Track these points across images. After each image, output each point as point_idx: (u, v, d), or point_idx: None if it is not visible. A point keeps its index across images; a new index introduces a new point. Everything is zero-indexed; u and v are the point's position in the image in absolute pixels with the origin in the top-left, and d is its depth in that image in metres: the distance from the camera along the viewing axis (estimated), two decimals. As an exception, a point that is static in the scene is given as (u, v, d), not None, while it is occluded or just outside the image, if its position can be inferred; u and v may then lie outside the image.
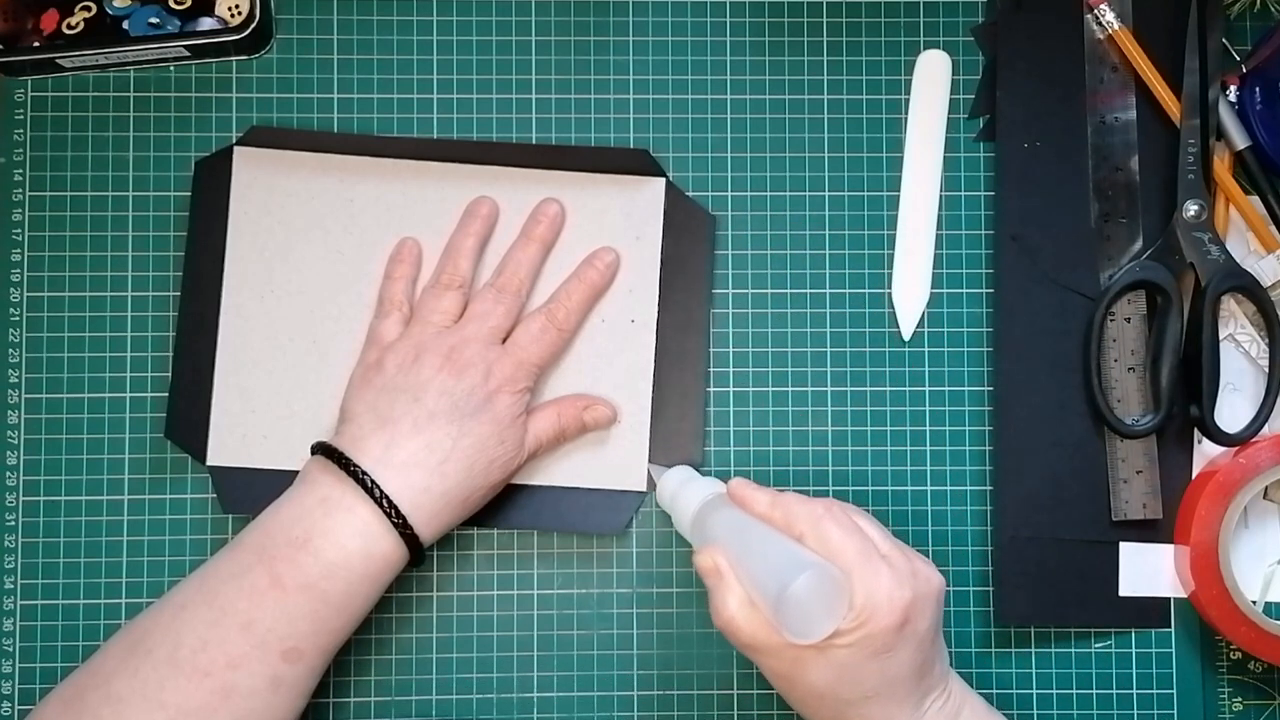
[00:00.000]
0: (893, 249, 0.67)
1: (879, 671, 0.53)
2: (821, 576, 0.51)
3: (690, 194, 0.67)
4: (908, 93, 0.68)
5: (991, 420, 0.67)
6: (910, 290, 0.67)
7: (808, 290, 0.67)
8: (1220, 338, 0.66)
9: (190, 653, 0.55)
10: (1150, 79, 0.66)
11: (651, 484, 0.66)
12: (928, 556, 0.58)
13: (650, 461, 0.65)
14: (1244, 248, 0.67)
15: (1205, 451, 0.66)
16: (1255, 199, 0.67)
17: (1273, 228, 0.66)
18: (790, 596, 0.50)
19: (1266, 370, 0.66)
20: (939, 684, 0.56)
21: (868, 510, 0.59)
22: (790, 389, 0.67)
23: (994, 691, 0.66)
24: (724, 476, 0.66)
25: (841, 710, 0.55)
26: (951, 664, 0.59)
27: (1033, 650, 0.66)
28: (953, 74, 0.68)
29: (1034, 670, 0.66)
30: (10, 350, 0.66)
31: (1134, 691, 0.66)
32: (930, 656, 0.55)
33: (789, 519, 0.55)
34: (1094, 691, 0.66)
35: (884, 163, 0.68)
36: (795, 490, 0.59)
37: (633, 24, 0.68)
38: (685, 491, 0.60)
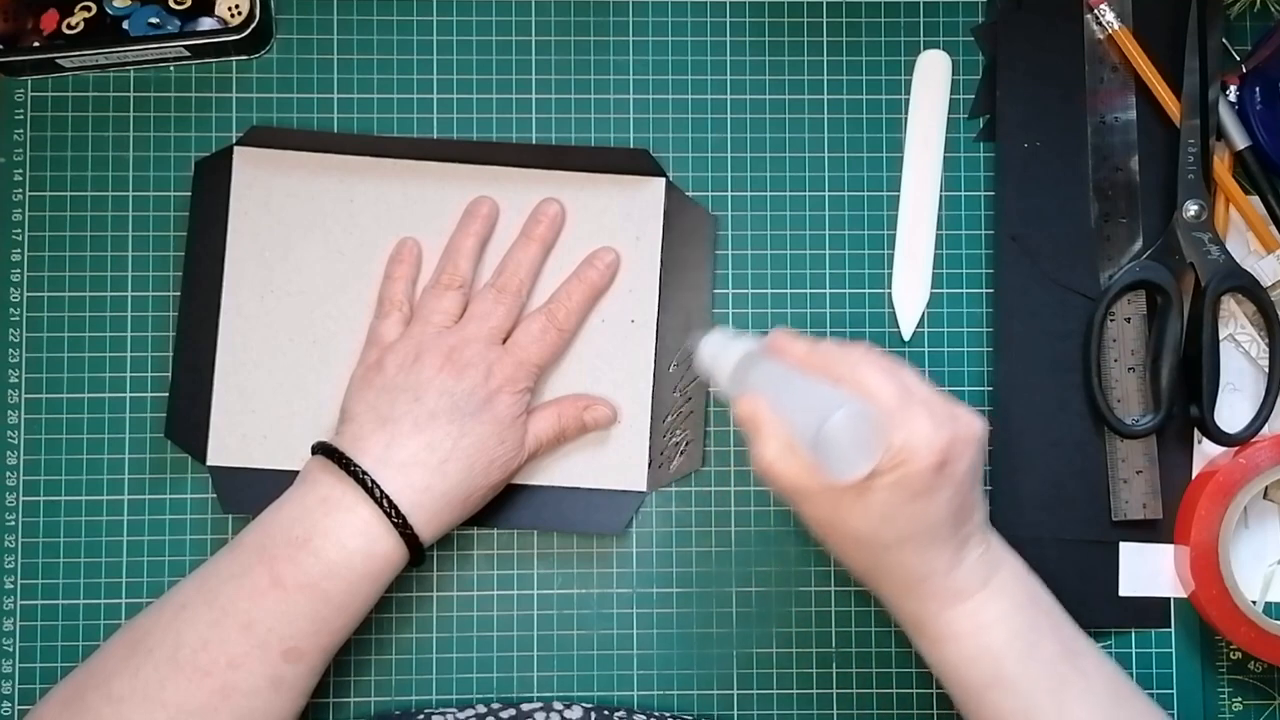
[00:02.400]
0: (893, 249, 0.67)
1: (917, 514, 0.52)
2: (859, 413, 0.50)
3: (690, 194, 0.67)
4: (908, 93, 0.68)
5: (991, 421, 0.67)
6: (910, 290, 0.67)
7: (808, 290, 0.67)
8: (1220, 338, 0.66)
9: (191, 652, 0.55)
10: (1150, 79, 0.66)
11: (652, 483, 0.66)
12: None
13: (691, 336, 0.65)
14: (1244, 248, 0.67)
15: (1205, 451, 0.66)
16: (1255, 199, 0.67)
17: (1273, 228, 0.66)
18: (828, 433, 0.49)
19: (1266, 370, 0.66)
20: (978, 534, 0.56)
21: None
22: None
23: (994, 691, 0.66)
24: (724, 477, 0.66)
25: (880, 555, 0.54)
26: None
27: (1033, 650, 0.66)
28: (953, 74, 0.68)
29: (1034, 670, 0.66)
30: (10, 350, 0.66)
31: (1134, 691, 0.66)
32: (969, 502, 0.54)
33: (827, 364, 0.54)
34: (1094, 691, 0.66)
35: (884, 163, 0.68)
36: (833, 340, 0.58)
37: (633, 24, 0.68)
38: (725, 351, 0.58)
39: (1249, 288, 0.65)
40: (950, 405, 0.54)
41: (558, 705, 0.63)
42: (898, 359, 0.55)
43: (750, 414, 0.54)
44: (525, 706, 0.63)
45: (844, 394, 0.52)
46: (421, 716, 0.62)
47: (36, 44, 0.64)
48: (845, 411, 0.50)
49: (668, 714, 0.64)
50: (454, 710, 0.63)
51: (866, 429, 0.51)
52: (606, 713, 0.63)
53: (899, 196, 0.68)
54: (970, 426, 0.54)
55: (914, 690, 0.66)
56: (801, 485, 0.53)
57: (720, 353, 0.58)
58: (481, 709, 0.63)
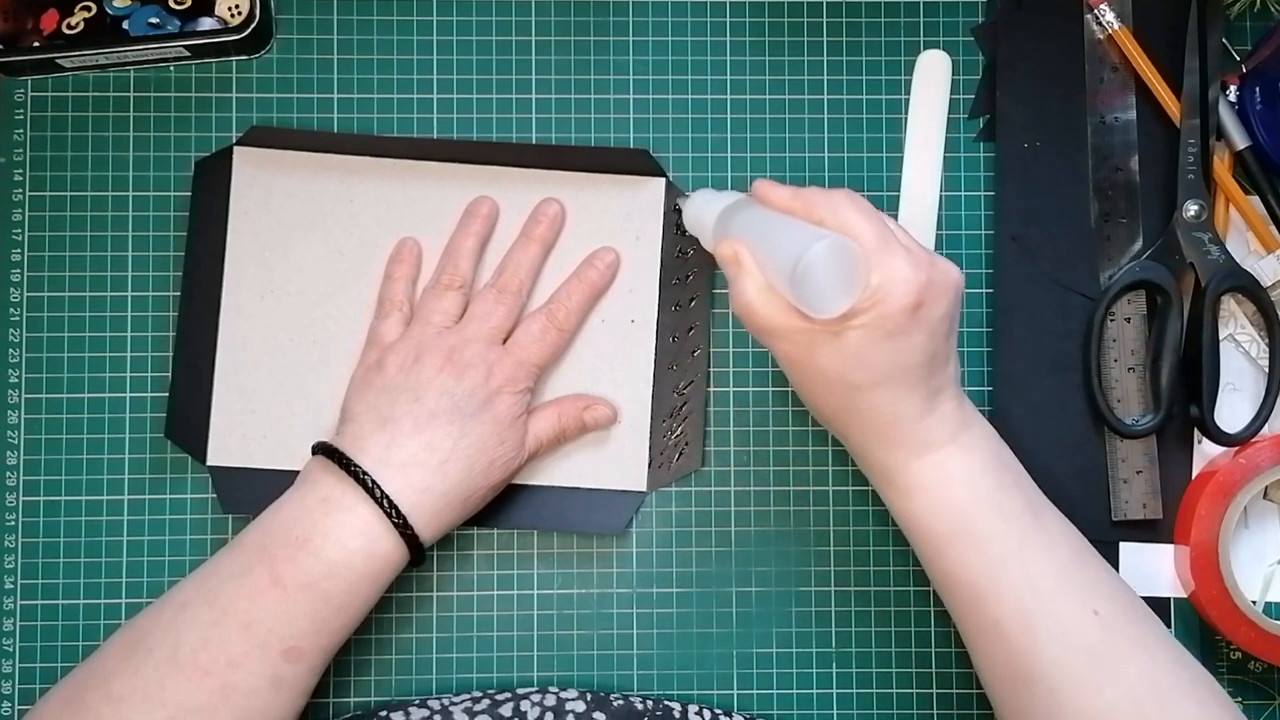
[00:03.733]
0: (893, 249, 0.67)
1: (890, 355, 0.53)
2: (837, 247, 0.50)
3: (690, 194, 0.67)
4: (908, 93, 0.68)
5: (992, 420, 0.66)
6: (910, 290, 0.67)
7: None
8: (1220, 338, 0.66)
9: (191, 652, 0.55)
10: (1150, 79, 0.66)
11: (652, 483, 0.66)
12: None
13: (675, 198, 0.65)
14: (1244, 248, 0.67)
15: (1205, 451, 0.66)
16: (1255, 199, 0.67)
17: (1273, 228, 0.66)
18: (806, 266, 0.50)
19: (1266, 370, 0.66)
20: (950, 387, 0.56)
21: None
22: (790, 389, 0.67)
23: (994, 691, 0.66)
24: (724, 478, 0.66)
25: (850, 397, 0.54)
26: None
27: (1033, 650, 0.66)
28: (953, 74, 0.68)
29: (1034, 670, 0.66)
30: (10, 350, 0.66)
31: (1134, 691, 0.66)
32: (942, 351, 0.54)
33: (810, 207, 0.54)
34: (1094, 691, 0.66)
35: (884, 163, 0.68)
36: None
37: (633, 24, 0.68)
38: (709, 206, 0.59)
39: (1249, 288, 0.65)
40: (931, 254, 0.54)
41: (554, 688, 0.63)
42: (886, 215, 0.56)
43: (731, 255, 0.54)
44: (522, 690, 0.63)
45: (823, 231, 0.52)
46: (416, 702, 0.62)
47: (36, 44, 0.64)
48: (824, 244, 0.50)
49: (663, 700, 0.64)
50: (449, 695, 0.63)
51: (845, 265, 0.51)
52: (603, 695, 0.63)
53: (899, 197, 0.68)
54: (948, 273, 0.54)
55: (914, 690, 0.66)
56: (777, 323, 0.53)
57: (705, 206, 0.59)
58: (477, 693, 0.63)
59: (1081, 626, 0.54)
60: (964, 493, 0.55)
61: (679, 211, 0.64)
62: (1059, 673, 0.53)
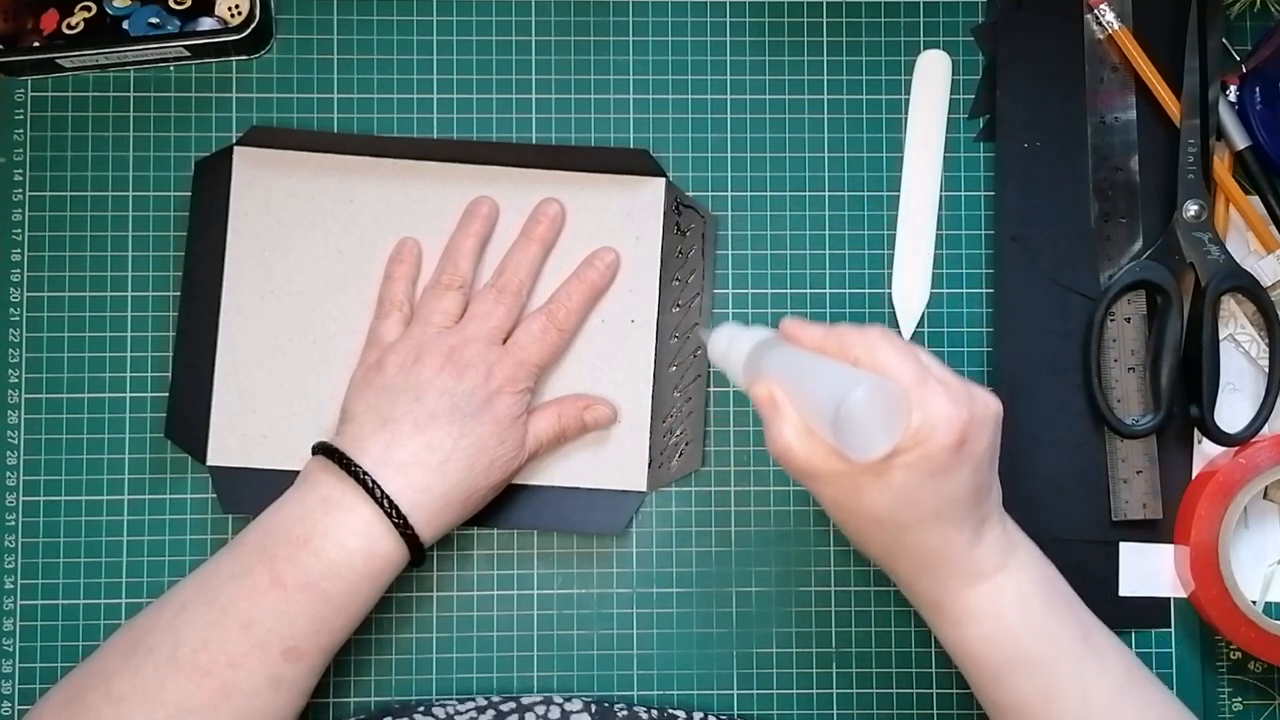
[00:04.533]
0: (893, 249, 0.67)
1: (936, 493, 0.52)
2: (878, 389, 0.50)
3: (690, 194, 0.67)
4: (908, 93, 0.68)
5: (991, 420, 0.67)
6: (910, 290, 0.67)
7: (808, 290, 0.67)
8: (1220, 338, 0.66)
9: (191, 652, 0.55)
10: (1150, 79, 0.66)
11: (652, 483, 0.66)
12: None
13: (696, 327, 0.65)
14: (1244, 248, 0.67)
15: (1205, 451, 0.66)
16: (1255, 199, 0.67)
17: (1273, 228, 0.66)
18: (848, 410, 0.49)
19: (1266, 370, 0.66)
20: (995, 514, 0.56)
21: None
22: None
23: (994, 691, 0.66)
24: (724, 477, 0.66)
25: (899, 536, 0.54)
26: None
27: (1033, 650, 0.66)
28: (953, 74, 0.68)
29: (1034, 670, 0.66)
30: (10, 350, 0.66)
31: (1134, 691, 0.66)
32: (986, 481, 0.54)
33: (843, 346, 0.53)
34: (1094, 691, 0.66)
35: (884, 163, 0.68)
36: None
37: (633, 24, 0.68)
38: (737, 342, 0.58)
39: (1249, 288, 0.65)
40: (967, 385, 0.53)
41: (558, 698, 0.63)
42: (915, 343, 0.55)
43: (767, 397, 0.53)
44: (526, 699, 0.63)
45: (862, 373, 0.51)
46: (421, 709, 0.62)
47: (36, 44, 0.64)
48: (865, 388, 0.49)
49: (667, 708, 0.64)
50: (454, 702, 0.63)
51: (886, 406, 0.50)
52: (607, 705, 0.63)
53: (899, 196, 0.68)
54: (988, 406, 0.53)
55: (914, 690, 0.66)
56: (819, 467, 0.52)
57: (733, 344, 0.58)
58: (482, 701, 0.63)
59: None
60: (1016, 620, 0.55)
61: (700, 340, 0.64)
62: None
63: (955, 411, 0.51)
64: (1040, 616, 0.55)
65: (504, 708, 0.62)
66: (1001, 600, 0.55)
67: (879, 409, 0.50)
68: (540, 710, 0.62)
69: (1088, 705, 0.54)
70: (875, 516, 0.53)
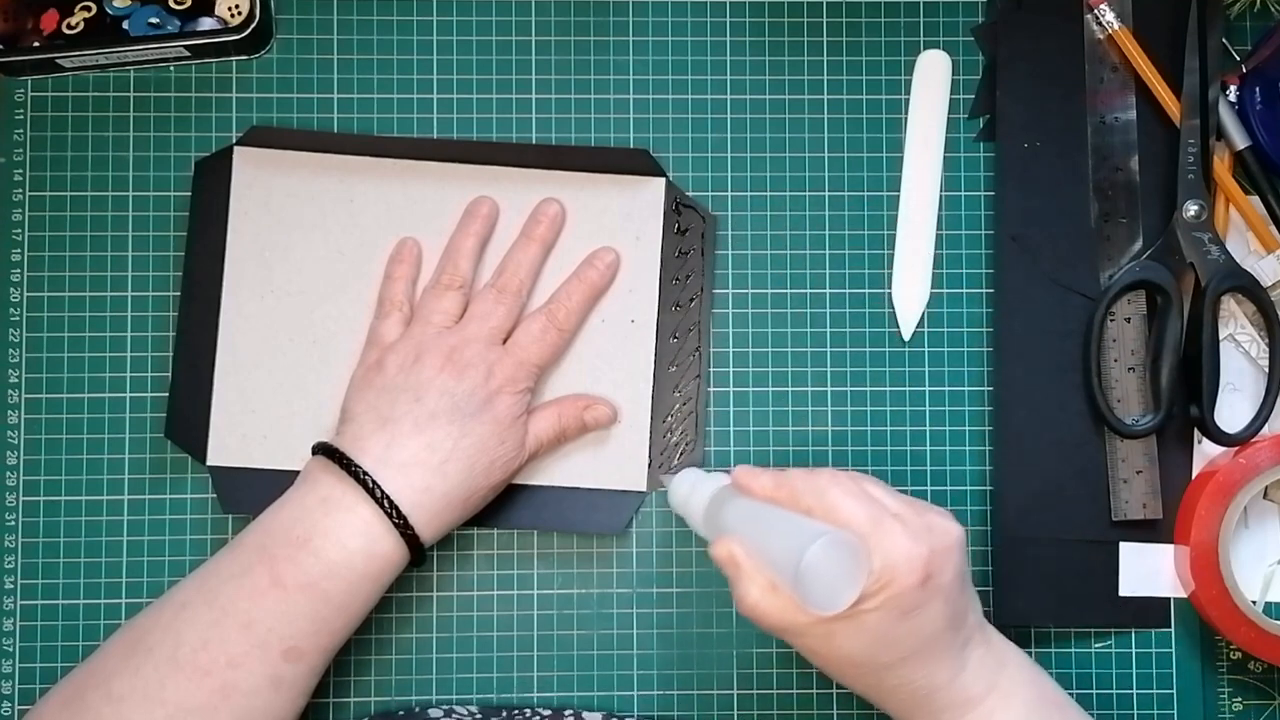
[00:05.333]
0: (893, 249, 0.67)
1: (912, 631, 0.52)
2: (834, 543, 0.50)
3: (690, 194, 0.67)
4: (908, 93, 0.68)
5: (991, 420, 0.67)
6: (910, 290, 0.67)
7: (808, 290, 0.67)
8: (1220, 338, 0.66)
9: (191, 652, 0.55)
10: (1150, 79, 0.66)
11: (653, 484, 0.66)
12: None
13: (658, 470, 0.65)
14: (1244, 248, 0.67)
15: (1205, 451, 0.66)
16: (1255, 199, 0.67)
17: (1273, 228, 0.66)
18: (806, 569, 0.49)
19: (1266, 370, 0.66)
20: (976, 635, 0.55)
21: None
22: (790, 389, 0.67)
23: (994, 691, 0.66)
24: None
25: (881, 676, 0.54)
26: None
27: (1033, 650, 0.66)
28: (953, 74, 0.68)
29: (1034, 670, 0.66)
30: (10, 350, 0.66)
31: (1134, 691, 0.66)
32: (960, 608, 0.54)
33: (795, 495, 0.53)
34: (1094, 691, 0.66)
35: (884, 163, 0.68)
36: (798, 468, 0.57)
37: (633, 24, 0.68)
38: (695, 492, 0.59)
39: (1249, 288, 0.65)
40: (924, 514, 0.53)
41: (568, 713, 0.63)
42: (865, 475, 0.55)
43: (727, 557, 0.53)
44: (528, 712, 0.63)
45: (817, 525, 0.51)
46: (432, 711, 0.62)
47: (36, 44, 0.64)
48: (820, 543, 0.49)
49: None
50: (460, 709, 0.63)
51: (844, 557, 0.50)
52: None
53: (899, 196, 0.68)
54: (948, 534, 0.53)
55: (914, 690, 0.66)
56: (790, 622, 0.52)
57: (690, 495, 0.59)
58: (481, 713, 0.63)
59: None
60: None
61: (663, 488, 0.64)
62: None
63: (915, 549, 0.51)
64: None
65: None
66: None
67: (837, 562, 0.50)
68: None
69: None
70: (854, 660, 0.53)
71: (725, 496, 0.57)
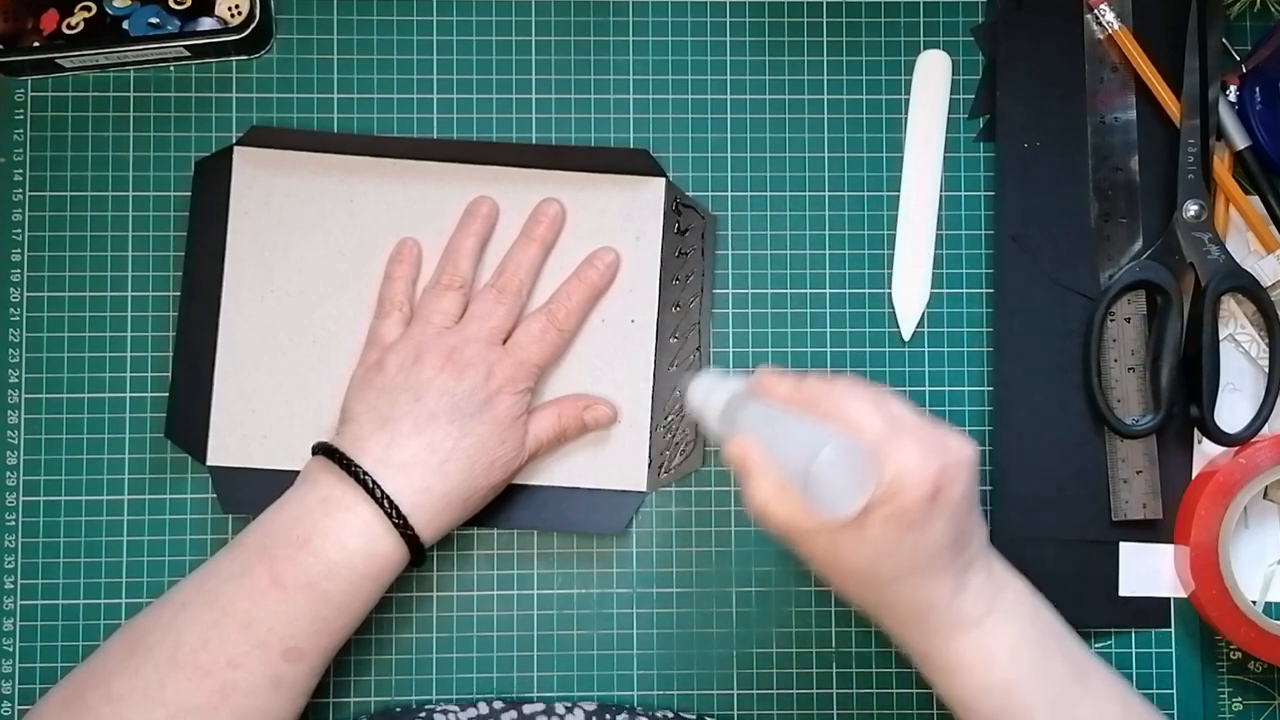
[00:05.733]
0: (893, 249, 0.67)
1: (915, 545, 0.52)
2: (846, 449, 0.50)
3: (690, 194, 0.67)
4: (908, 93, 0.68)
5: (991, 420, 0.67)
6: (910, 290, 0.67)
7: (808, 290, 0.67)
8: (1220, 338, 0.66)
9: (191, 651, 0.55)
10: (1150, 79, 0.66)
11: (652, 483, 0.66)
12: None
13: (676, 373, 0.65)
14: (1244, 248, 0.67)
15: (1205, 451, 0.66)
16: (1255, 199, 0.67)
17: (1273, 228, 0.66)
18: (816, 471, 0.49)
19: (1266, 370, 0.66)
20: (979, 559, 0.55)
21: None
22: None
23: (994, 691, 0.66)
24: (724, 478, 0.66)
25: (881, 589, 0.54)
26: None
27: (1033, 650, 0.66)
28: (953, 74, 0.68)
29: (1034, 670, 0.66)
30: (10, 350, 0.66)
31: (1134, 691, 0.66)
32: (966, 529, 0.54)
33: (813, 400, 0.53)
34: (1094, 691, 0.66)
35: (884, 163, 0.68)
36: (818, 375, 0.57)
37: (633, 24, 0.68)
38: (714, 393, 0.58)
39: (1249, 288, 0.65)
40: (939, 432, 0.53)
41: (559, 709, 0.63)
42: (884, 389, 0.55)
43: (740, 456, 0.53)
44: (527, 709, 0.63)
45: (830, 430, 0.51)
46: (423, 714, 0.62)
47: (36, 44, 0.64)
48: (831, 448, 0.49)
49: (669, 713, 0.64)
50: (455, 709, 0.63)
51: (855, 464, 0.50)
52: (609, 715, 0.63)
53: (899, 196, 0.68)
54: (960, 452, 0.53)
55: (914, 690, 0.66)
56: (796, 525, 0.52)
57: (708, 396, 0.58)
58: (484, 708, 0.63)
59: None
60: (1007, 668, 0.54)
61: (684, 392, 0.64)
62: None
63: (927, 462, 0.51)
64: (1031, 662, 0.55)
65: (504, 717, 0.62)
66: (991, 649, 0.54)
67: (847, 467, 0.50)
68: (541, 719, 0.62)
69: None
70: (856, 571, 0.53)
71: (743, 398, 0.56)
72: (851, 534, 0.51)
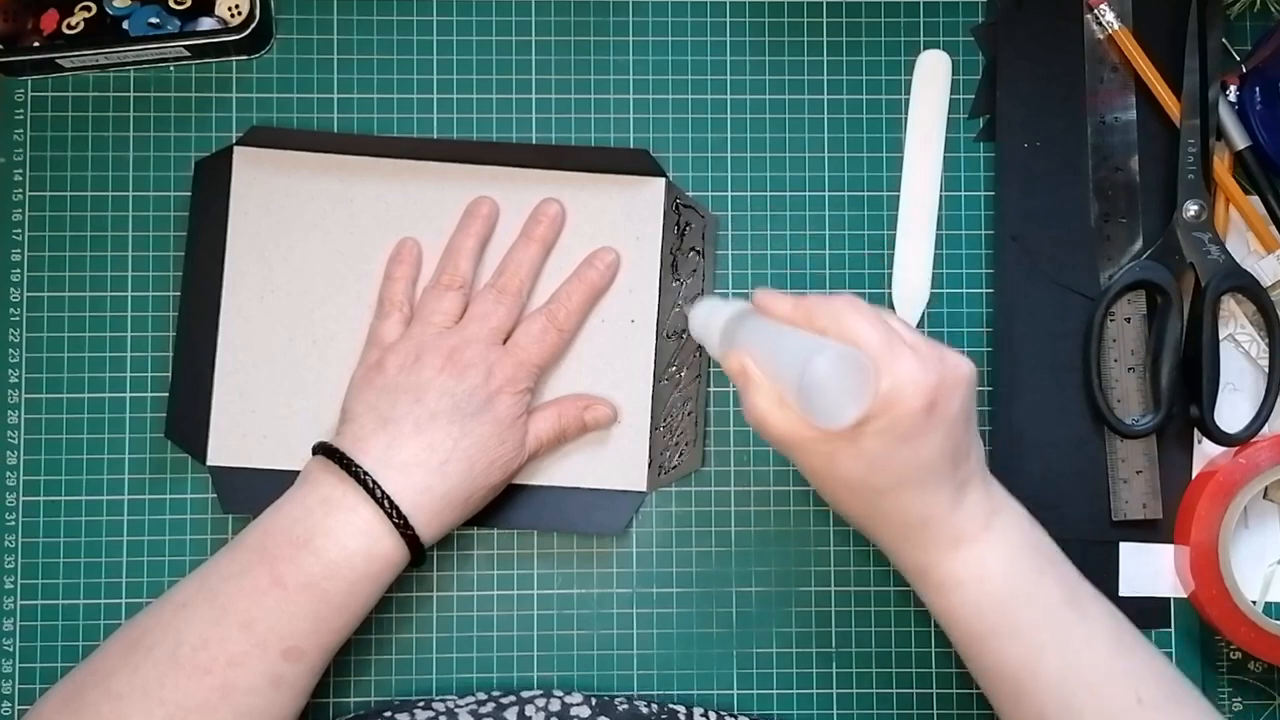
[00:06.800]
0: (893, 249, 0.67)
1: (910, 458, 0.52)
2: (841, 357, 0.50)
3: (690, 194, 0.67)
4: (908, 93, 0.68)
5: (991, 420, 0.67)
6: (910, 290, 0.67)
7: (808, 290, 0.67)
8: (1220, 338, 0.66)
9: (190, 651, 0.55)
10: (1150, 79, 0.66)
11: (652, 483, 0.66)
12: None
13: (681, 311, 0.65)
14: (1244, 248, 0.67)
15: (1205, 451, 0.66)
16: (1255, 199, 0.67)
17: (1273, 228, 0.66)
18: (811, 379, 0.49)
19: (1266, 370, 0.66)
20: (976, 476, 0.55)
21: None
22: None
23: (994, 691, 0.66)
24: (724, 478, 0.66)
25: (876, 501, 0.54)
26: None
27: (1033, 650, 0.66)
28: (953, 74, 0.68)
29: (1034, 670, 0.66)
30: (10, 350, 0.66)
31: (1134, 691, 0.66)
32: (963, 444, 0.54)
33: (812, 316, 0.53)
34: (1094, 691, 0.66)
35: (884, 163, 0.68)
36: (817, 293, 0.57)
37: (633, 24, 0.68)
38: (714, 315, 0.58)
39: (1249, 288, 0.65)
40: (938, 348, 0.53)
41: (558, 692, 0.63)
42: (883, 308, 0.55)
43: (739, 368, 0.53)
44: (526, 693, 0.63)
45: (825, 341, 0.51)
46: (421, 704, 0.62)
47: (36, 44, 0.64)
48: (826, 356, 0.49)
49: (667, 703, 0.64)
50: (454, 697, 0.63)
51: (851, 374, 0.50)
52: (608, 699, 0.63)
53: (899, 196, 0.68)
54: (958, 368, 0.53)
55: (914, 690, 0.66)
56: (793, 435, 0.52)
57: (709, 317, 0.58)
58: (482, 695, 0.63)
59: (1126, 714, 0.54)
60: (1001, 586, 0.54)
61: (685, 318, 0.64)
62: None
63: (924, 375, 0.51)
64: (1025, 581, 0.55)
65: (504, 700, 0.62)
66: (985, 566, 0.54)
67: (843, 377, 0.50)
68: (540, 703, 0.62)
69: (1073, 672, 0.54)
70: (851, 483, 0.53)
71: (743, 316, 0.56)
72: (847, 445, 0.52)
